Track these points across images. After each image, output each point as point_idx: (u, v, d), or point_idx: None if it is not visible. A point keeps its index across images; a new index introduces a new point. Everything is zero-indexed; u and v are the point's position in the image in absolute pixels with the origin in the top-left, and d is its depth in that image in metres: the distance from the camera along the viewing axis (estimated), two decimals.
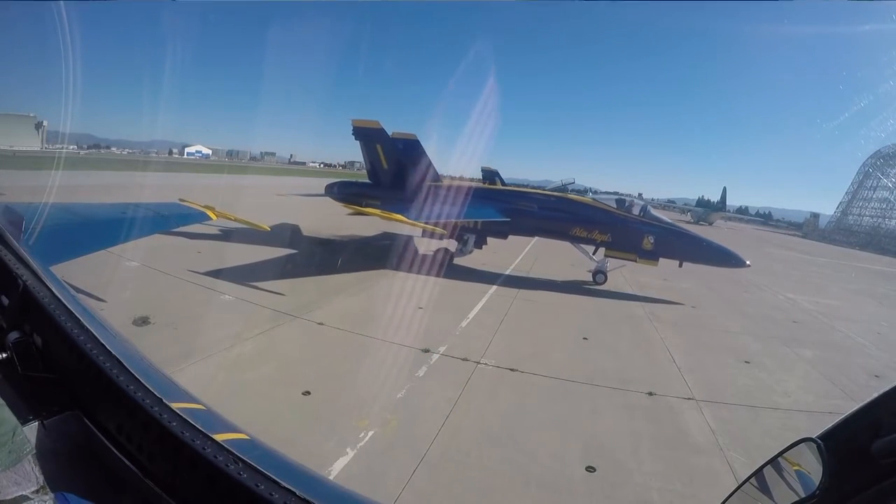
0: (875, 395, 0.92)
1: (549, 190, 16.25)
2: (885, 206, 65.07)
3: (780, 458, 1.13)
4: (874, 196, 67.38)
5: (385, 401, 5.87)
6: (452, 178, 16.84)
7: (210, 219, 7.09)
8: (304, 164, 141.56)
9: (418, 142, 15.93)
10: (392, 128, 16.14)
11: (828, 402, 7.31)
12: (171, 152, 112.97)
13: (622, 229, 13.23)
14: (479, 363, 7.29)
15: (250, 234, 14.14)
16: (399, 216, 11.97)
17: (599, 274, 13.60)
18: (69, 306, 1.48)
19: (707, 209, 65.63)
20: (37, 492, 0.88)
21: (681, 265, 13.10)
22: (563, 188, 16.48)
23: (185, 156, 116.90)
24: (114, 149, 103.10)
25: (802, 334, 11.25)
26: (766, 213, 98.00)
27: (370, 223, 17.82)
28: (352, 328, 8.19)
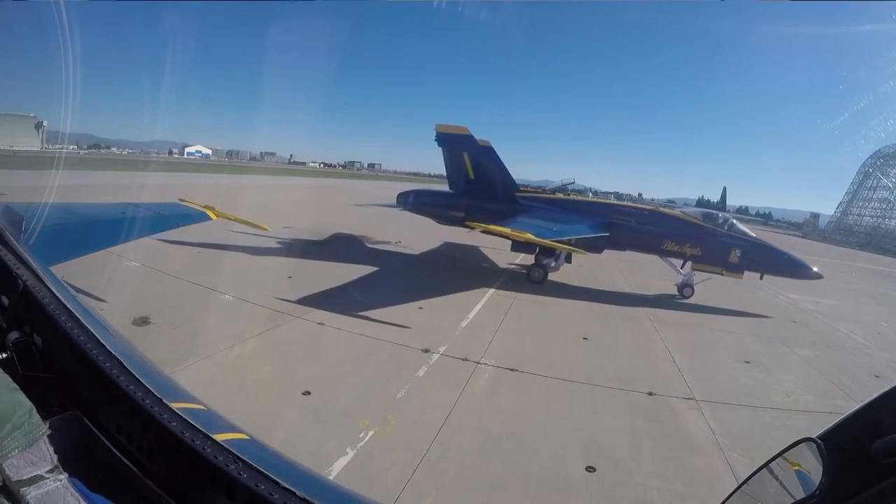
0: (875, 395, 0.92)
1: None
2: (885, 206, 65.01)
3: (780, 458, 1.13)
4: (874, 196, 67.31)
5: (385, 401, 5.87)
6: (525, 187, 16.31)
7: (210, 219, 7.09)
8: (304, 164, 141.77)
9: (493, 149, 15.46)
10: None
11: (828, 402, 7.31)
12: (171, 152, 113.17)
13: (711, 243, 13.19)
14: (479, 363, 7.29)
15: (268, 240, 14.13)
16: (529, 235, 11.60)
17: (687, 287, 13.41)
18: (69, 306, 1.48)
19: (707, 209, 65.52)
20: (51, 471, 0.90)
21: (762, 277, 13.16)
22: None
23: (185, 156, 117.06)
24: (114, 149, 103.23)
25: (802, 334, 11.25)
26: (766, 213, 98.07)
27: (418, 233, 17.77)
28: (354, 328, 8.19)
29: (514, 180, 15.81)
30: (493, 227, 12.05)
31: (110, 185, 23.51)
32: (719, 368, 8.34)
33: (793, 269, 13.15)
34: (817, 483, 0.94)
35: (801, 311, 13.85)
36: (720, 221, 13.69)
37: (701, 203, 76.56)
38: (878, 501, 0.85)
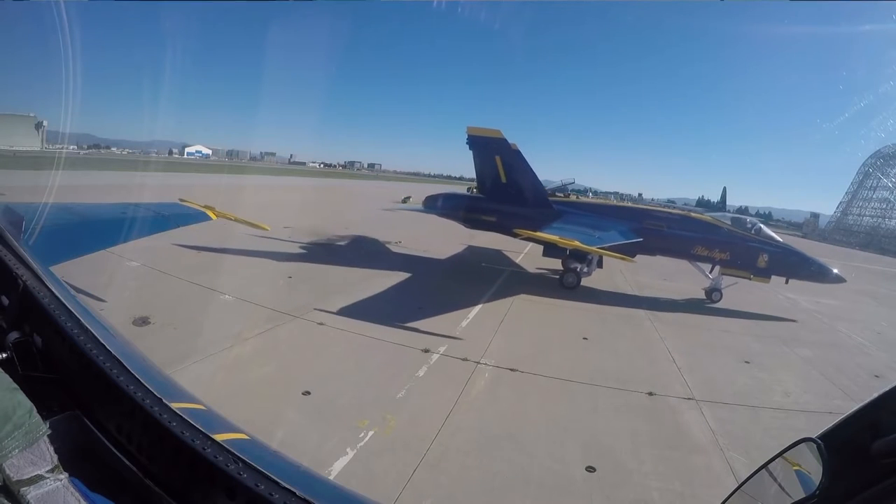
0: (875, 395, 0.92)
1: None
2: (885, 206, 65.12)
3: (780, 459, 1.13)
4: (874, 196, 67.41)
5: (385, 401, 5.87)
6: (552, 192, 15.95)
7: (210, 219, 7.08)
8: (304, 164, 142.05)
9: (521, 153, 15.14)
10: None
11: (828, 402, 7.31)
12: (171, 152, 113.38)
13: (740, 248, 13.31)
14: (479, 363, 7.29)
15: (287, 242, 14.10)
16: (577, 242, 11.53)
17: (715, 292, 13.50)
18: (69, 306, 1.48)
19: (707, 209, 65.68)
20: (51, 471, 0.91)
21: (787, 282, 13.32)
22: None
23: (185, 156, 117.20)
24: (114, 149, 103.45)
25: (802, 334, 11.25)
26: (766, 213, 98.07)
27: (446, 238, 17.65)
28: (354, 328, 8.19)
29: (542, 185, 15.62)
30: (540, 235, 12.01)
31: (110, 185, 23.51)
32: (719, 368, 8.34)
33: (817, 273, 13.30)
34: (817, 483, 0.93)
35: (801, 310, 13.86)
36: (748, 226, 13.84)
37: (701, 203, 76.61)
38: (878, 501, 0.85)
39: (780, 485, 1.13)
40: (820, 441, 0.96)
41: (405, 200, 38.38)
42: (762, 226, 13.96)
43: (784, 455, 1.11)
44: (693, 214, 15.39)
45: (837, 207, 72.17)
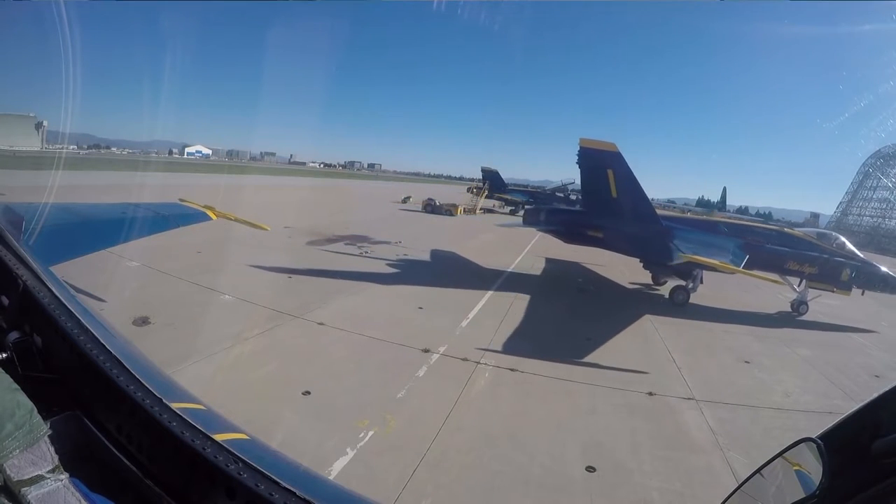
0: (875, 395, 0.92)
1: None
2: (885, 206, 65.13)
3: (780, 458, 1.13)
4: (874, 196, 67.42)
5: (385, 401, 5.87)
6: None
7: (210, 219, 7.08)
8: (304, 164, 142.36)
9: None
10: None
11: (828, 402, 7.31)
12: (171, 152, 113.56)
13: (826, 262, 13.62)
14: (479, 363, 7.28)
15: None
16: (728, 265, 11.96)
17: (802, 305, 13.70)
18: (69, 306, 1.48)
19: (707, 209, 65.80)
20: (52, 471, 0.91)
21: (863, 293, 13.73)
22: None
23: (185, 156, 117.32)
24: (114, 149, 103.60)
25: (802, 334, 11.25)
26: (767, 213, 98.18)
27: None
28: (354, 328, 8.18)
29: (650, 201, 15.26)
30: (704, 259, 12.08)
31: (110, 185, 23.52)
32: (719, 368, 8.34)
33: (892, 285, 13.60)
34: (817, 483, 0.93)
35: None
36: (833, 240, 14.19)
37: (701, 203, 76.53)
38: (878, 501, 0.85)
39: (780, 485, 1.13)
40: (820, 441, 0.96)
41: (405, 201, 38.55)
42: (845, 240, 14.27)
43: (784, 455, 1.11)
44: (786, 230, 15.70)
45: (837, 207, 72.23)
